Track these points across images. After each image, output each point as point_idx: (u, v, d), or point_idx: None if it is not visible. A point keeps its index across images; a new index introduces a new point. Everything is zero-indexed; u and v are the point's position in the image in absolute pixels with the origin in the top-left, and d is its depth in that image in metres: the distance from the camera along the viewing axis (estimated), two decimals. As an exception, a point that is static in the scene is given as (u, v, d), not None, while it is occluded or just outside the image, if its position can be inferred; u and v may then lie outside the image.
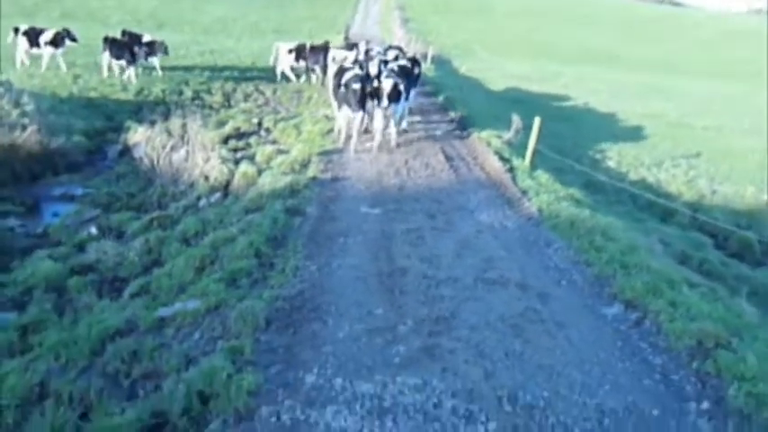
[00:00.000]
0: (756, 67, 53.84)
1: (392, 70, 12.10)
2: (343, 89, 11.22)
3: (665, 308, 5.53)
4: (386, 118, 11.66)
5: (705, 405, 4.21)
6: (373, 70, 12.75)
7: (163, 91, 19.86)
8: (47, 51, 19.77)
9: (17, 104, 14.84)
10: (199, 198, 10.49)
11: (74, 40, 20.37)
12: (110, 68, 20.27)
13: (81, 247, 8.42)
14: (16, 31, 19.98)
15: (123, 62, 19.84)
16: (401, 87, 11.43)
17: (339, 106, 11.80)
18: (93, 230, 9.00)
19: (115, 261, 7.62)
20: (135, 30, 25.17)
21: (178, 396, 3.87)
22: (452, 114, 16.78)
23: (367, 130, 12.40)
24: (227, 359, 4.22)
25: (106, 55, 19.79)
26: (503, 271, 6.23)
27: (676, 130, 24.27)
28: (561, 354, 4.62)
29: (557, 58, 46.92)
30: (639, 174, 16.92)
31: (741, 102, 35.07)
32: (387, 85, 11.05)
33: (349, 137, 11.72)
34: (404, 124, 13.60)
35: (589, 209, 9.15)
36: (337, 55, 17.50)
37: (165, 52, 21.30)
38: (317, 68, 20.92)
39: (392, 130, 12.06)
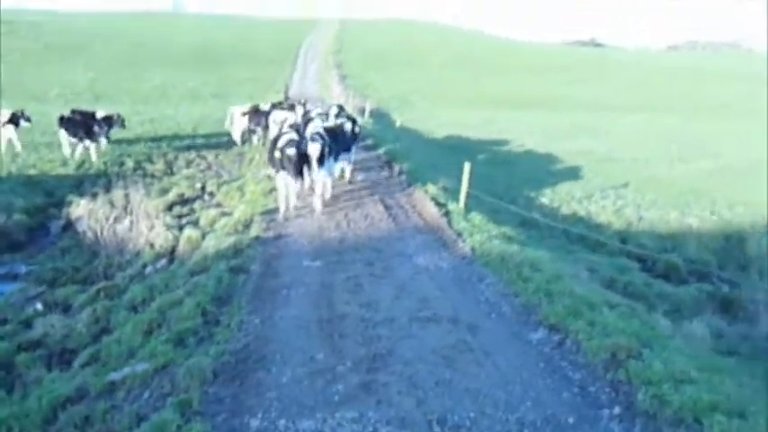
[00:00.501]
0: (680, 99, 57.34)
1: (317, 133, 11.82)
2: (278, 154, 11.02)
3: (584, 328, 6.03)
4: (322, 180, 11.70)
5: (617, 410, 4.68)
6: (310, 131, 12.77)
7: (104, 163, 19.95)
8: (5, 131, 19.63)
9: (-45, 187, 14.80)
10: (145, 266, 10.67)
11: (28, 120, 20.46)
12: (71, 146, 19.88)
13: (27, 324, 8.51)
14: None
15: (85, 140, 19.66)
16: (326, 149, 11.38)
17: (276, 171, 11.57)
18: (39, 306, 9.08)
19: (63, 334, 7.75)
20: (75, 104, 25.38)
21: (130, 450, 4.11)
22: (391, 165, 17.42)
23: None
24: (176, 412, 4.48)
25: (63, 133, 19.59)
26: (436, 309, 6.68)
27: (606, 165, 25.61)
28: (487, 378, 5.05)
29: (490, 105, 48.78)
30: (571, 208, 17.85)
31: (669, 133, 37.11)
32: (313, 150, 11.07)
33: (287, 201, 11.54)
34: (347, 176, 14.22)
35: (520, 244, 9.73)
36: (277, 116, 17.71)
37: (122, 125, 21.26)
38: (259, 130, 21.30)
39: (327, 188, 12.26)
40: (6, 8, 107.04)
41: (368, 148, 20.60)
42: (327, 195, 12.34)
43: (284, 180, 11.26)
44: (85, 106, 28.44)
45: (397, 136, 24.60)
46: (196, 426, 4.26)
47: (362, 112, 32.29)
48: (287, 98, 35.62)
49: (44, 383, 6.08)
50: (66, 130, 19.46)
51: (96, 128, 19.95)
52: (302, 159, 10.98)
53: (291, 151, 10.75)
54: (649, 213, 17.18)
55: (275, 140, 11.58)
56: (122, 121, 21.22)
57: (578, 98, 57.34)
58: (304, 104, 22.45)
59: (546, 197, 19.01)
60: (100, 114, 20.64)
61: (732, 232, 16.09)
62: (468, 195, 12.81)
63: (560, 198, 18.89)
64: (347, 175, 14.35)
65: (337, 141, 12.47)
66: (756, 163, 26.25)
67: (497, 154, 27.25)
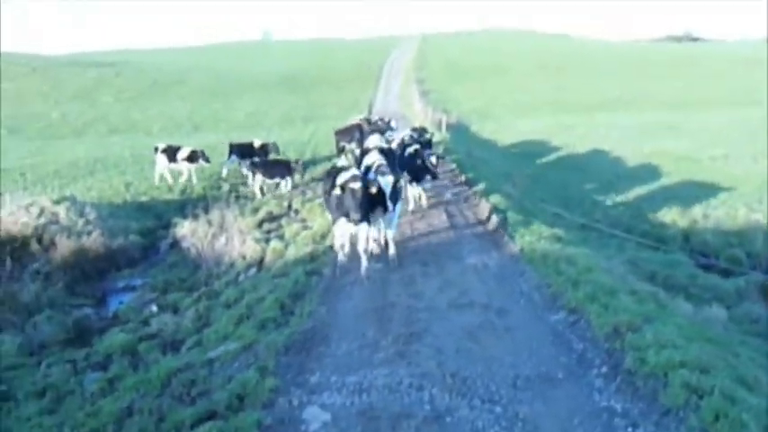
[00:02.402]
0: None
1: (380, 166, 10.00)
2: (338, 191, 8.80)
3: (597, 309, 7.03)
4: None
5: (604, 369, 5.71)
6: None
7: (203, 188, 22.33)
8: (184, 166, 21.96)
9: (81, 214, 17.35)
10: (238, 274, 12.41)
11: (207, 161, 22.22)
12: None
13: (146, 323, 10.37)
14: (156, 149, 22.19)
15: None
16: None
17: (335, 216, 9.54)
18: (154, 308, 10.97)
19: (173, 328, 9.50)
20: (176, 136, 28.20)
21: (223, 398, 5.60)
22: (457, 173, 18.61)
23: None
24: (256, 373, 5.94)
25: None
26: (473, 298, 7.87)
27: (682, 164, 25.58)
28: (501, 347, 6.22)
29: (573, 111, 48.67)
30: (637, 210, 18.31)
31: (757, 128, 35.94)
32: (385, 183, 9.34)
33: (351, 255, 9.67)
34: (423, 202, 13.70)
35: (564, 244, 10.69)
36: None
37: (277, 152, 22.72)
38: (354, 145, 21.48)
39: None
40: (113, 50, 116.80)
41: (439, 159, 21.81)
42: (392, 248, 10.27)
43: (345, 229, 9.34)
44: (183, 138, 31.50)
45: (469, 147, 25.69)
46: (270, 381, 5.69)
47: (440, 126, 33.54)
48: (368, 119, 37.05)
49: (160, 363, 7.75)
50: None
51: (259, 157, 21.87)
52: (369, 198, 8.76)
53: (356, 185, 8.55)
54: (716, 211, 17.39)
55: (333, 176, 9.34)
56: (277, 148, 22.85)
57: (663, 96, 56.03)
58: (388, 123, 22.80)
59: (612, 199, 19.51)
60: (257, 144, 22.57)
61: (803, 227, 16.09)
62: (528, 201, 13.78)
63: (626, 199, 19.35)
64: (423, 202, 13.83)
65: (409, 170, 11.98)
66: None
67: (570, 158, 27.75)
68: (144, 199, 21.23)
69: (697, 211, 17.55)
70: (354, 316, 7.54)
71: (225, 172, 22.42)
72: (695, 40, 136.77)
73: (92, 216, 17.31)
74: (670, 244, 14.42)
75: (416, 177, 13.31)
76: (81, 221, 16.86)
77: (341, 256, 9.77)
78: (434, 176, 13.64)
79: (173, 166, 21.85)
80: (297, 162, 20.32)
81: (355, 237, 9.44)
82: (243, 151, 22.30)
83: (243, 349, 6.99)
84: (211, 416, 5.35)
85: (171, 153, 21.79)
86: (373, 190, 8.80)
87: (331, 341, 6.74)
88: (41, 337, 9.95)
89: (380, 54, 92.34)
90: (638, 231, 15.25)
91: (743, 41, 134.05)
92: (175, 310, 10.82)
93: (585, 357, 6.02)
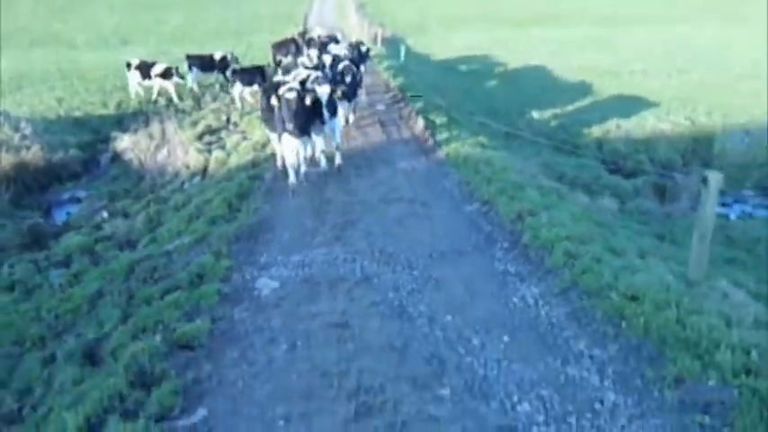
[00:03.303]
0: (704, 8, 56.73)
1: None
2: (275, 101, 9.00)
3: (506, 200, 8.20)
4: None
5: (505, 245, 6.92)
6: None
7: (139, 102, 22.29)
8: (158, 83, 21.31)
9: (17, 129, 17.33)
10: (183, 182, 13.07)
11: (181, 77, 21.46)
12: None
13: (98, 227, 11.03)
14: (128, 65, 21.46)
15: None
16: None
17: (275, 131, 9.75)
18: (105, 214, 11.61)
19: (126, 230, 10.24)
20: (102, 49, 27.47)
21: (184, 278, 6.52)
22: (391, 86, 19.36)
23: None
24: (211, 257, 6.87)
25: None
26: (401, 194, 8.93)
27: (605, 78, 26.93)
28: (422, 231, 7.33)
29: (507, 26, 49.22)
30: (558, 120, 19.63)
31: (679, 44, 37.58)
32: (323, 92, 9.59)
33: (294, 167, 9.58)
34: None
35: (485, 149, 11.81)
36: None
37: (237, 62, 21.92)
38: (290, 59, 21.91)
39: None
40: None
41: (374, 73, 22.44)
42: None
43: (287, 143, 9.34)
44: (111, 51, 30.64)
45: (402, 61, 26.24)
46: (224, 262, 6.64)
47: (374, 40, 33.72)
48: (305, 31, 36.66)
49: (120, 257, 8.57)
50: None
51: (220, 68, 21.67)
52: (306, 109, 8.91)
53: (291, 95, 8.68)
54: (628, 121, 18.88)
55: (270, 90, 9.52)
56: (236, 59, 22.23)
57: (596, 11, 57.11)
58: (334, 37, 22.74)
59: (538, 111, 20.73)
60: (217, 56, 22.07)
61: (702, 135, 17.79)
62: (457, 112, 14.76)
63: (551, 111, 20.62)
64: (350, 120, 13.77)
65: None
66: (753, 69, 27.30)
67: (501, 72, 28.74)
68: (78, 114, 21.11)
69: (611, 121, 18.98)
70: (295, 211, 8.49)
71: (192, 85, 22.09)
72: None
73: (28, 131, 17.33)
74: (584, 150, 15.78)
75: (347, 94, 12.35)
76: (17, 136, 16.89)
77: (292, 177, 9.48)
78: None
79: (146, 82, 21.40)
80: (269, 66, 20.33)
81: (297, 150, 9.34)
82: (203, 64, 22.05)
83: (197, 241, 7.87)
84: (175, 290, 6.28)
85: (144, 69, 21.18)
86: (308, 101, 8.89)
87: (275, 231, 7.70)
88: (-2, 243, 10.52)
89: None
90: (556, 139, 16.51)
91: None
92: (126, 216, 11.48)
93: (491, 237, 7.21)
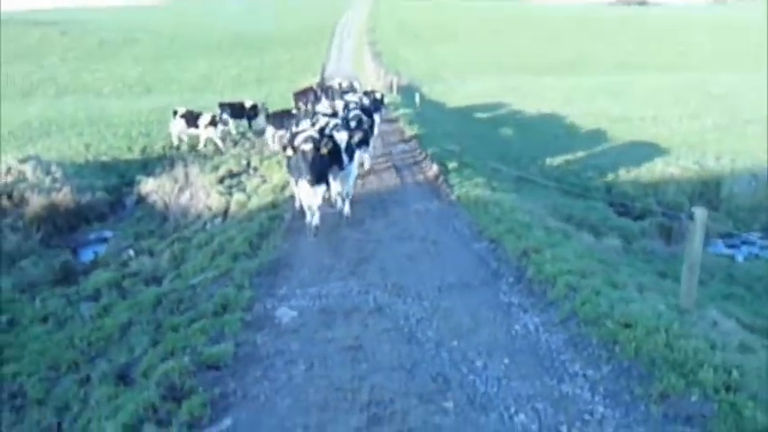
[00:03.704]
0: (708, 54, 57.68)
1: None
2: (290, 152, 9.36)
3: (513, 239, 8.63)
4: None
5: (511, 279, 7.31)
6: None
7: (163, 147, 23.21)
8: (204, 132, 21.78)
9: (47, 173, 18.17)
10: (205, 223, 13.66)
11: (225, 123, 22.09)
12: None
13: (125, 265, 11.58)
14: (174, 113, 22.17)
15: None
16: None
17: (295, 179, 9.86)
18: (132, 253, 12.18)
19: (152, 268, 10.77)
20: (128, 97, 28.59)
21: (209, 308, 6.97)
22: (407, 133, 20.03)
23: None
24: (233, 289, 7.34)
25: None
26: (413, 233, 9.39)
27: (615, 125, 27.53)
28: (433, 267, 7.76)
29: (521, 73, 50.29)
30: (569, 165, 20.13)
31: (690, 90, 38.20)
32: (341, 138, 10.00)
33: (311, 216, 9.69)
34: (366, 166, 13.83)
35: (495, 191, 12.29)
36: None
37: (265, 111, 22.47)
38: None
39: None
40: (54, 8, 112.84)
41: (390, 121, 23.21)
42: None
43: (303, 190, 9.57)
44: (134, 99, 31.77)
45: (417, 108, 27.07)
46: (246, 293, 7.10)
47: (390, 88, 34.75)
48: (321, 80, 37.78)
49: (147, 291, 9.06)
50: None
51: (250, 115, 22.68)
52: (323, 159, 9.18)
53: (308, 147, 8.97)
54: (637, 166, 19.33)
55: (291, 139, 9.84)
56: (265, 107, 23.00)
57: (609, 59, 58.22)
58: (351, 84, 23.24)
59: (549, 156, 21.27)
60: (248, 103, 23.11)
61: (710, 178, 18.18)
62: (470, 157, 15.31)
63: (562, 157, 21.14)
64: (366, 165, 14.01)
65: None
66: (762, 113, 27.76)
67: (513, 119, 29.46)
68: (105, 158, 22.03)
69: (621, 166, 19.45)
70: (312, 249, 8.96)
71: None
72: (643, 3, 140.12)
73: (58, 174, 18.16)
74: (593, 193, 16.23)
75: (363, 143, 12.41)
76: (48, 179, 17.71)
77: (308, 218, 9.71)
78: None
79: (192, 131, 21.91)
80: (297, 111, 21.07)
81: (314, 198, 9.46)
82: (234, 111, 22.93)
83: (220, 276, 8.35)
84: (201, 319, 6.73)
85: (190, 119, 21.67)
86: (325, 150, 9.13)
87: (294, 267, 8.17)
88: (31, 278, 11.10)
89: (333, 15, 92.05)
90: (566, 183, 17.03)
91: (688, 5, 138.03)
92: (151, 254, 12.04)
93: (498, 272, 7.61)
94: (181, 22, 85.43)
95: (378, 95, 17.75)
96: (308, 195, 9.47)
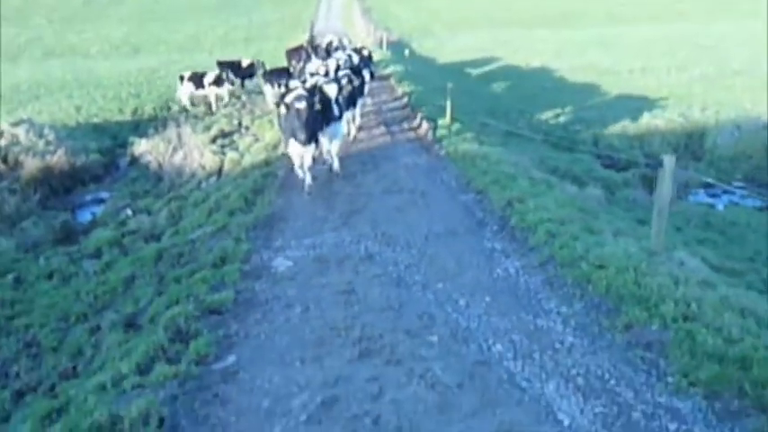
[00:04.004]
0: (703, 3, 57.25)
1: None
2: (284, 110, 9.34)
3: (498, 190, 8.99)
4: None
5: (495, 227, 7.70)
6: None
7: (154, 109, 23.29)
8: (212, 91, 21.75)
9: (40, 136, 18.30)
10: (200, 182, 13.93)
11: (232, 83, 22.08)
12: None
13: (123, 223, 11.89)
14: (181, 78, 22.12)
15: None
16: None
17: (286, 137, 9.83)
18: (129, 212, 12.48)
19: (150, 225, 11.09)
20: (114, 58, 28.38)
21: (209, 260, 7.34)
22: (396, 90, 20.19)
23: None
24: (231, 242, 7.70)
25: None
26: (402, 186, 9.73)
27: (603, 77, 27.65)
28: (420, 217, 8.13)
29: (512, 27, 49.88)
30: (557, 118, 20.38)
31: (680, 41, 38.13)
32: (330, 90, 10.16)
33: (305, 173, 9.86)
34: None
35: (482, 145, 12.58)
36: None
37: (263, 68, 22.35)
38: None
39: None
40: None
41: (379, 78, 23.27)
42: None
43: (294, 149, 9.63)
44: (123, 60, 31.55)
45: (407, 64, 27.08)
46: (244, 246, 7.46)
47: (381, 43, 34.58)
48: (312, 37, 37.40)
49: (147, 247, 9.42)
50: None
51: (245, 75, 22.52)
52: (314, 116, 9.28)
53: (301, 105, 8.99)
54: (624, 118, 19.59)
55: (283, 96, 9.82)
56: (262, 64, 22.91)
57: (602, 12, 57.72)
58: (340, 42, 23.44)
59: (538, 110, 21.49)
60: (245, 62, 22.94)
61: (694, 130, 18.49)
62: (453, 111, 15.52)
63: (551, 110, 21.37)
64: (356, 123, 13.96)
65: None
66: (750, 64, 27.95)
67: (504, 73, 29.52)
68: (96, 120, 22.14)
69: (608, 118, 19.73)
70: (306, 203, 9.31)
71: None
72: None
73: (51, 137, 18.30)
74: (580, 146, 16.53)
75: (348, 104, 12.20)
76: (41, 142, 17.85)
77: (305, 179, 9.81)
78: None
79: (199, 92, 21.88)
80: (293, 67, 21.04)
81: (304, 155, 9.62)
82: (233, 70, 22.80)
83: (217, 230, 8.70)
84: (201, 270, 7.11)
85: (197, 80, 21.66)
86: (318, 106, 9.29)
87: (288, 220, 8.52)
88: (33, 239, 11.43)
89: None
90: (554, 136, 17.31)
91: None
92: (148, 213, 12.34)
93: (483, 221, 8.00)
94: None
95: (366, 53, 17.83)
96: (300, 153, 9.61)
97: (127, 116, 22.69)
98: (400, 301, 5.52)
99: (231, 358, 4.76)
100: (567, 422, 3.65)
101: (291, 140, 9.51)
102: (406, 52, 27.97)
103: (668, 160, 6.05)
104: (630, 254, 5.93)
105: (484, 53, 35.23)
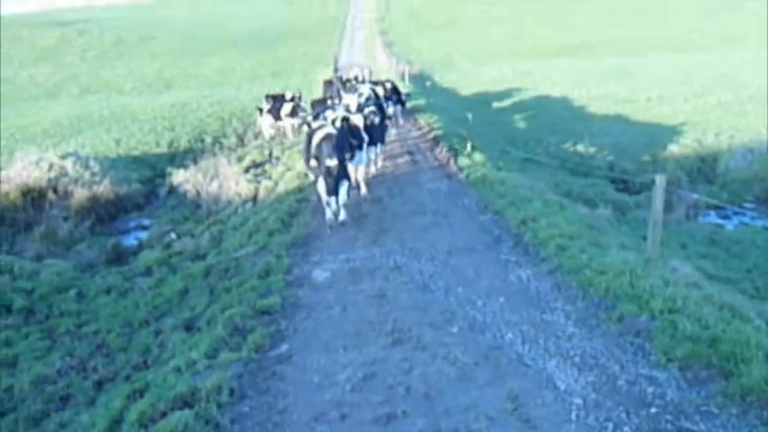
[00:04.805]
0: (725, 34, 57.88)
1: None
2: (314, 162, 9.52)
3: (513, 210, 9.83)
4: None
5: (510, 243, 8.52)
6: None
7: (188, 141, 24.64)
8: (288, 122, 22.08)
9: (86, 167, 19.60)
10: (237, 208, 14.99)
11: (304, 110, 21.79)
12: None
13: (169, 246, 12.93)
14: (260, 111, 22.76)
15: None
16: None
17: (314, 176, 10.03)
18: (173, 235, 13.53)
19: (194, 247, 12.11)
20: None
21: (254, 273, 8.26)
22: (419, 120, 21.22)
23: None
24: (273, 258, 8.63)
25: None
26: (426, 208, 10.63)
27: (621, 106, 28.47)
28: (443, 235, 9.01)
29: (532, 58, 50.98)
30: (576, 147, 21.19)
31: (698, 70, 38.83)
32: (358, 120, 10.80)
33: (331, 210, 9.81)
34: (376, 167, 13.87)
35: (500, 170, 13.45)
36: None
37: (302, 100, 22.80)
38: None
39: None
40: (69, 7, 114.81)
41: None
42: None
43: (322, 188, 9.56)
44: (154, 96, 33.06)
45: (429, 96, 28.18)
46: (285, 261, 8.38)
47: (402, 77, 35.81)
48: (336, 70, 38.72)
49: (194, 266, 10.39)
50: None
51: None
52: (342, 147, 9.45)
53: (332, 162, 9.05)
54: (640, 145, 20.36)
55: (310, 136, 9.94)
56: (301, 97, 23.14)
57: (620, 41, 58.59)
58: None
59: (556, 138, 22.32)
60: (288, 95, 22.96)
61: (707, 155, 19.17)
62: (479, 140, 16.44)
63: (568, 138, 22.20)
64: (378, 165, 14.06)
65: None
66: (765, 91, 28.52)
67: (523, 103, 30.48)
68: (136, 153, 23.49)
69: (624, 144, 20.50)
70: (338, 225, 10.24)
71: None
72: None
73: (96, 168, 19.57)
74: (595, 171, 17.27)
75: (373, 140, 12.40)
76: (87, 173, 19.12)
77: (328, 214, 9.83)
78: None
79: (278, 123, 22.42)
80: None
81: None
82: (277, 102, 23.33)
83: (259, 249, 9.66)
84: (248, 282, 8.04)
85: (275, 112, 22.19)
86: (338, 124, 9.62)
87: (323, 239, 9.45)
88: (87, 260, 12.50)
89: (344, 5, 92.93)
90: (570, 162, 18.12)
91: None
92: (192, 236, 13.38)
93: (499, 238, 8.83)
94: (195, 18, 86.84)
95: (389, 85, 18.79)
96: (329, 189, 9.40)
97: (163, 148, 24.05)
98: (425, 302, 6.38)
99: (284, 347, 5.64)
100: (563, 387, 4.45)
101: (320, 179, 9.48)
102: (428, 84, 29.08)
103: (659, 179, 6.87)
104: (628, 261, 6.72)
105: (505, 84, 36.25)
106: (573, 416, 4.10)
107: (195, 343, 6.14)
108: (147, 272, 11.22)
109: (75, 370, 7.04)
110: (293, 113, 21.89)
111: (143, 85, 49.31)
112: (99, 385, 6.57)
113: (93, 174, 19.15)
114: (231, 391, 4.79)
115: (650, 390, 4.33)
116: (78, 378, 6.80)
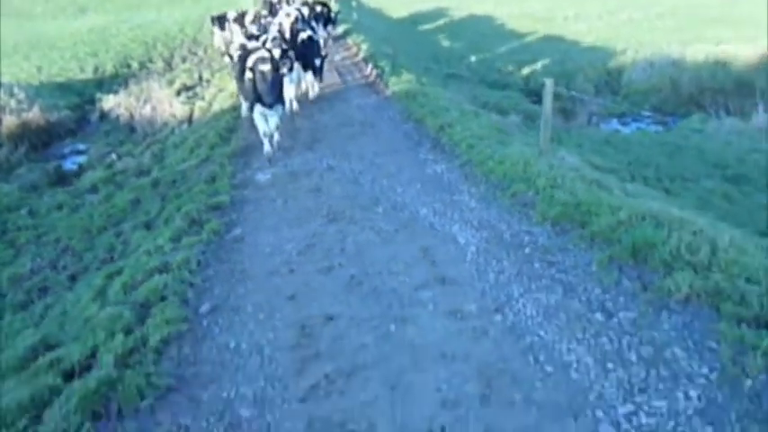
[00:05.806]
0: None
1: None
2: (249, 75, 8.93)
3: (432, 119, 10.96)
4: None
5: (428, 146, 9.70)
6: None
7: (114, 67, 24.41)
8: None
9: (11, 95, 19.42)
10: (173, 129, 15.55)
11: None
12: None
13: (111, 166, 13.47)
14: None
15: None
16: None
17: (250, 102, 9.44)
18: (114, 156, 14.06)
19: (137, 166, 12.75)
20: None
21: (201, 179, 9.14)
22: (348, 41, 21.82)
23: None
24: (217, 166, 9.50)
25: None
26: (353, 120, 11.63)
27: (538, 24, 29.75)
28: (369, 141, 10.09)
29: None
30: (494, 63, 22.41)
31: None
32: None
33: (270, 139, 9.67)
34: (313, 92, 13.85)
35: (428, 87, 14.49)
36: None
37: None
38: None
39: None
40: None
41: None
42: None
43: (262, 113, 9.36)
44: (70, 18, 31.92)
45: (357, 16, 28.58)
46: (228, 168, 9.30)
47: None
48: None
49: (139, 181, 11.12)
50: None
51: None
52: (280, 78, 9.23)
53: (266, 67, 8.76)
54: (553, 60, 21.76)
55: (243, 58, 9.50)
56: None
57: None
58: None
59: (477, 55, 23.46)
60: (230, 15, 22.77)
61: (613, 68, 20.78)
62: (405, 59, 17.33)
63: (488, 55, 23.37)
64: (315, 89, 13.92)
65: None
66: (671, 6, 30.37)
67: (448, 24, 31.30)
68: (60, 80, 23.16)
69: (539, 60, 21.86)
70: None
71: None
72: None
73: (21, 96, 19.42)
74: (511, 85, 18.63)
75: (309, 64, 12.80)
76: (13, 101, 18.99)
77: (267, 148, 9.64)
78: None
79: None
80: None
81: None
82: (221, 23, 22.96)
83: (202, 161, 10.50)
84: (197, 187, 8.94)
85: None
86: (284, 70, 9.61)
87: (261, 149, 10.35)
88: (31, 182, 12.95)
89: None
90: (489, 78, 19.36)
91: None
92: (132, 156, 13.95)
93: (420, 142, 9.99)
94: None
95: (318, 9, 19.19)
96: (265, 119, 9.42)
97: (89, 74, 23.79)
98: (355, 192, 7.53)
99: (237, 230, 6.70)
100: (462, 242, 5.74)
101: (258, 106, 9.23)
102: (354, 4, 29.34)
103: (549, 82, 8.11)
104: (524, 153, 8.02)
105: (429, 4, 36.80)
106: (468, 258, 5.40)
107: (158, 235, 7.10)
108: (94, 189, 11.83)
109: (47, 268, 7.88)
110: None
111: (56, 8, 46.91)
112: (73, 278, 7.46)
113: (20, 101, 19.02)
114: (198, 263, 5.86)
115: (527, 239, 5.67)
116: (52, 273, 7.66)
